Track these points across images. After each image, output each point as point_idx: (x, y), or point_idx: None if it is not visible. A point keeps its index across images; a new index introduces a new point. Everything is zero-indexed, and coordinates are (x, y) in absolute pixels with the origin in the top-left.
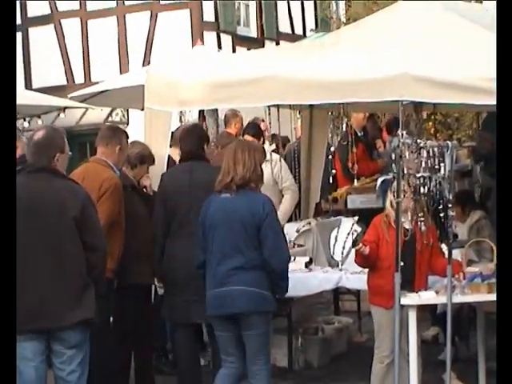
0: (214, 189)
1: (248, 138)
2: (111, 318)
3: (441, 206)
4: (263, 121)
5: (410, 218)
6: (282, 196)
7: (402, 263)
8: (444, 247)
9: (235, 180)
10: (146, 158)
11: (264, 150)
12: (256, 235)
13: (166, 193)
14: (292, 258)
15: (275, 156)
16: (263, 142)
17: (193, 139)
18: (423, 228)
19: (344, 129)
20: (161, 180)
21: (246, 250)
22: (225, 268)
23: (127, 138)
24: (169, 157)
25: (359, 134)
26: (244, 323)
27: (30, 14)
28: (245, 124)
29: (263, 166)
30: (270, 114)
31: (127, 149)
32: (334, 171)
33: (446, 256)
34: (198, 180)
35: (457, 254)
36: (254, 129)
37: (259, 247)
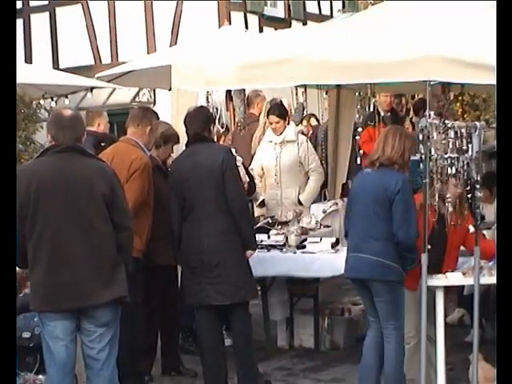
0: (219, 170)
1: (273, 118)
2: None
3: (468, 187)
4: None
5: (438, 200)
6: (308, 177)
7: (429, 246)
8: (471, 228)
9: (381, 159)
10: (170, 137)
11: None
12: (388, 208)
13: (174, 179)
14: (318, 239)
15: (302, 137)
16: (288, 123)
17: (196, 122)
18: (450, 209)
19: (370, 109)
20: (170, 167)
21: (377, 221)
22: (359, 235)
23: (158, 118)
24: None
25: (383, 115)
26: (373, 290)
27: None
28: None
29: (290, 146)
30: (297, 94)
31: (157, 130)
32: (361, 151)
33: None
34: (200, 163)
35: (485, 234)
36: (280, 109)
37: (390, 220)
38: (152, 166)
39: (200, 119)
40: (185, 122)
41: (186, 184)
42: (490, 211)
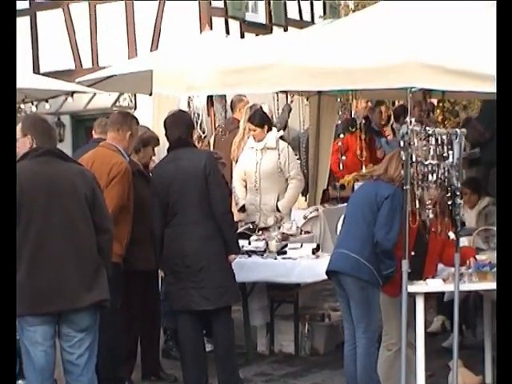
0: (202, 175)
1: (251, 126)
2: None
3: (449, 194)
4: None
5: (418, 207)
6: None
7: (412, 252)
8: (451, 235)
9: (381, 177)
10: (148, 140)
11: None
12: (375, 212)
13: (156, 185)
14: (299, 245)
15: (282, 143)
16: (269, 129)
17: (179, 127)
18: (431, 216)
19: (349, 116)
20: (152, 172)
21: (362, 222)
22: (344, 233)
23: (138, 124)
24: None
25: (358, 122)
26: (346, 288)
27: None
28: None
29: (270, 152)
30: (278, 100)
31: (137, 135)
32: (343, 157)
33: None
34: (183, 168)
35: (464, 241)
36: (259, 117)
37: (374, 224)
38: (133, 170)
39: (183, 124)
40: (165, 127)
41: (170, 189)
42: (471, 217)
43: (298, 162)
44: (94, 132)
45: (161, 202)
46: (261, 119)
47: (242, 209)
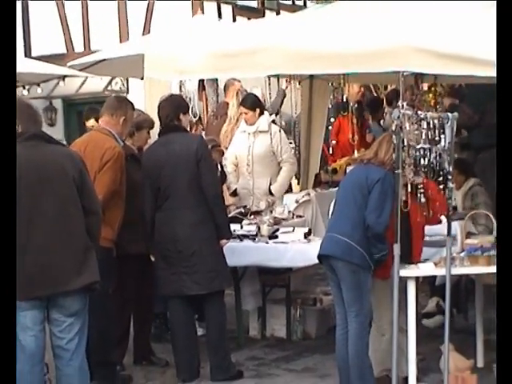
0: (193, 159)
1: (243, 109)
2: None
3: (441, 178)
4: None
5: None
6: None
7: None
8: (443, 219)
9: (372, 161)
10: (142, 123)
11: None
12: (366, 195)
13: (147, 169)
14: (291, 229)
15: (275, 127)
16: (261, 113)
17: (167, 110)
18: (423, 200)
19: (341, 100)
20: (143, 156)
21: (353, 206)
22: (335, 217)
23: (133, 109)
24: None
25: (351, 106)
26: (338, 272)
27: None
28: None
29: (263, 136)
30: (270, 84)
31: (132, 120)
32: (334, 142)
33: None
34: (174, 152)
35: (456, 225)
36: (251, 100)
37: (365, 207)
38: (127, 154)
39: (170, 108)
40: (158, 110)
41: (161, 173)
42: (457, 196)
43: (291, 145)
44: None
45: (152, 185)
46: (253, 102)
47: (234, 193)
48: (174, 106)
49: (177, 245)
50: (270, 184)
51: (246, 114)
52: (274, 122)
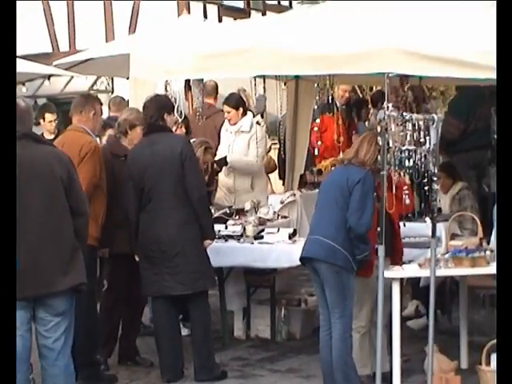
0: (178, 160)
1: (226, 108)
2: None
3: (425, 180)
4: (245, 90)
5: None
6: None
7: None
8: (428, 221)
9: (353, 161)
10: (133, 121)
11: None
12: (347, 197)
13: (131, 169)
14: (276, 230)
15: (257, 127)
16: (245, 113)
17: (152, 111)
18: (407, 201)
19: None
20: (127, 156)
21: (335, 208)
22: (317, 219)
23: (101, 104)
24: None
25: (339, 107)
26: (321, 273)
27: None
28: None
29: (244, 135)
30: (255, 84)
31: (101, 114)
32: (319, 143)
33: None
34: (159, 153)
35: (441, 227)
36: (233, 99)
37: (347, 209)
38: (120, 154)
39: (155, 108)
40: (143, 110)
41: (145, 174)
42: (444, 200)
43: (276, 146)
44: (108, 110)
45: (136, 186)
46: (236, 101)
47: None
48: (158, 106)
49: (160, 245)
50: (251, 183)
51: (228, 112)
52: (258, 123)
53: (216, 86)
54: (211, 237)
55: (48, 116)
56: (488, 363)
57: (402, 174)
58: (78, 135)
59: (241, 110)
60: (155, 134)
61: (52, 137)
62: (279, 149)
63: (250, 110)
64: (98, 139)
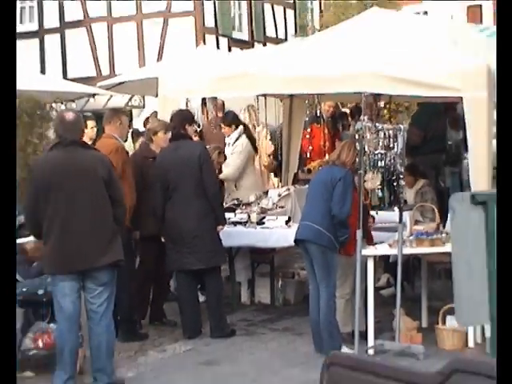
0: (197, 163)
1: (223, 125)
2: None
3: (394, 177)
4: (253, 106)
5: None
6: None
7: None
8: (396, 210)
9: (336, 162)
10: (155, 128)
11: None
12: (331, 191)
13: (159, 169)
14: (275, 217)
15: (241, 140)
16: (237, 127)
17: (175, 122)
18: (380, 194)
19: (314, 114)
20: (156, 159)
21: (321, 200)
22: (308, 209)
23: (126, 116)
24: None
25: (325, 119)
26: (310, 252)
27: (66, 19)
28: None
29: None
30: (258, 101)
31: (126, 123)
32: (310, 148)
33: None
34: (181, 157)
35: (406, 215)
36: (227, 118)
37: (330, 201)
38: (149, 156)
39: (178, 120)
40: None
41: (169, 173)
42: (410, 194)
43: (271, 148)
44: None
45: (162, 184)
46: (230, 121)
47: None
48: (181, 119)
49: (182, 230)
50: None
51: (223, 128)
52: (249, 135)
53: (223, 104)
54: (223, 223)
55: (89, 123)
56: (444, 323)
57: (374, 172)
58: (108, 141)
59: (233, 126)
60: (178, 141)
61: (91, 142)
62: (276, 152)
63: (244, 124)
64: (131, 144)
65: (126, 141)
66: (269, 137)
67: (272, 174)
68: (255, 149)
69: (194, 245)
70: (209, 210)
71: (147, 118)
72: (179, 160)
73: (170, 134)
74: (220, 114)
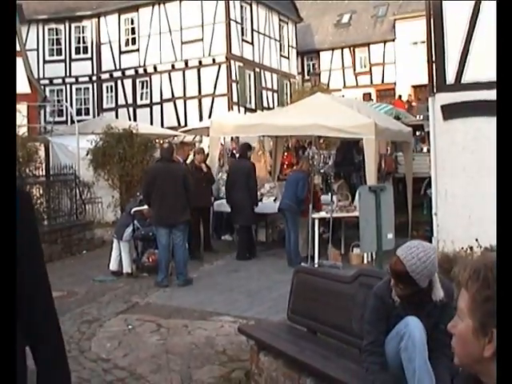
0: (247, 173)
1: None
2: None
3: (328, 178)
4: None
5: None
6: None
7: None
8: (329, 195)
9: (299, 170)
10: (197, 151)
11: None
12: (296, 185)
13: (229, 173)
14: (267, 198)
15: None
16: (249, 158)
17: (241, 149)
18: (321, 186)
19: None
20: (229, 167)
21: (291, 189)
22: (284, 194)
23: (187, 146)
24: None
25: (292, 148)
26: (286, 215)
27: (164, 97)
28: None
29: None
30: (261, 138)
31: (186, 150)
32: (286, 162)
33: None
34: (240, 167)
35: (334, 197)
36: (240, 150)
37: (296, 188)
38: (193, 166)
39: (242, 147)
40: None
41: (232, 177)
42: (335, 187)
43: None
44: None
45: (229, 180)
46: (241, 152)
47: None
48: (245, 147)
49: (237, 204)
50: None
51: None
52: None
53: (238, 139)
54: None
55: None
56: (352, 251)
57: (318, 175)
58: (175, 162)
59: (244, 154)
60: (242, 158)
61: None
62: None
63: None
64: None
65: (186, 159)
66: (268, 155)
67: (268, 174)
68: None
69: (242, 211)
70: (249, 195)
71: (200, 148)
72: (239, 169)
73: (203, 156)
74: (234, 145)
